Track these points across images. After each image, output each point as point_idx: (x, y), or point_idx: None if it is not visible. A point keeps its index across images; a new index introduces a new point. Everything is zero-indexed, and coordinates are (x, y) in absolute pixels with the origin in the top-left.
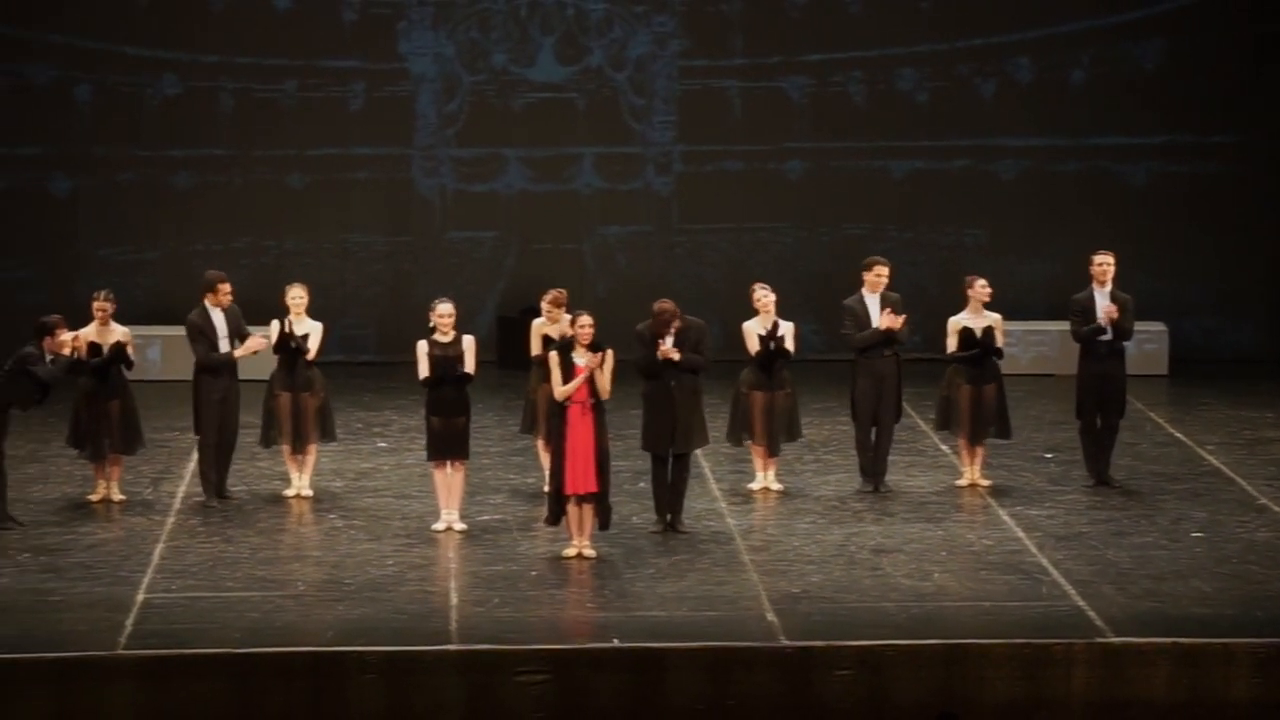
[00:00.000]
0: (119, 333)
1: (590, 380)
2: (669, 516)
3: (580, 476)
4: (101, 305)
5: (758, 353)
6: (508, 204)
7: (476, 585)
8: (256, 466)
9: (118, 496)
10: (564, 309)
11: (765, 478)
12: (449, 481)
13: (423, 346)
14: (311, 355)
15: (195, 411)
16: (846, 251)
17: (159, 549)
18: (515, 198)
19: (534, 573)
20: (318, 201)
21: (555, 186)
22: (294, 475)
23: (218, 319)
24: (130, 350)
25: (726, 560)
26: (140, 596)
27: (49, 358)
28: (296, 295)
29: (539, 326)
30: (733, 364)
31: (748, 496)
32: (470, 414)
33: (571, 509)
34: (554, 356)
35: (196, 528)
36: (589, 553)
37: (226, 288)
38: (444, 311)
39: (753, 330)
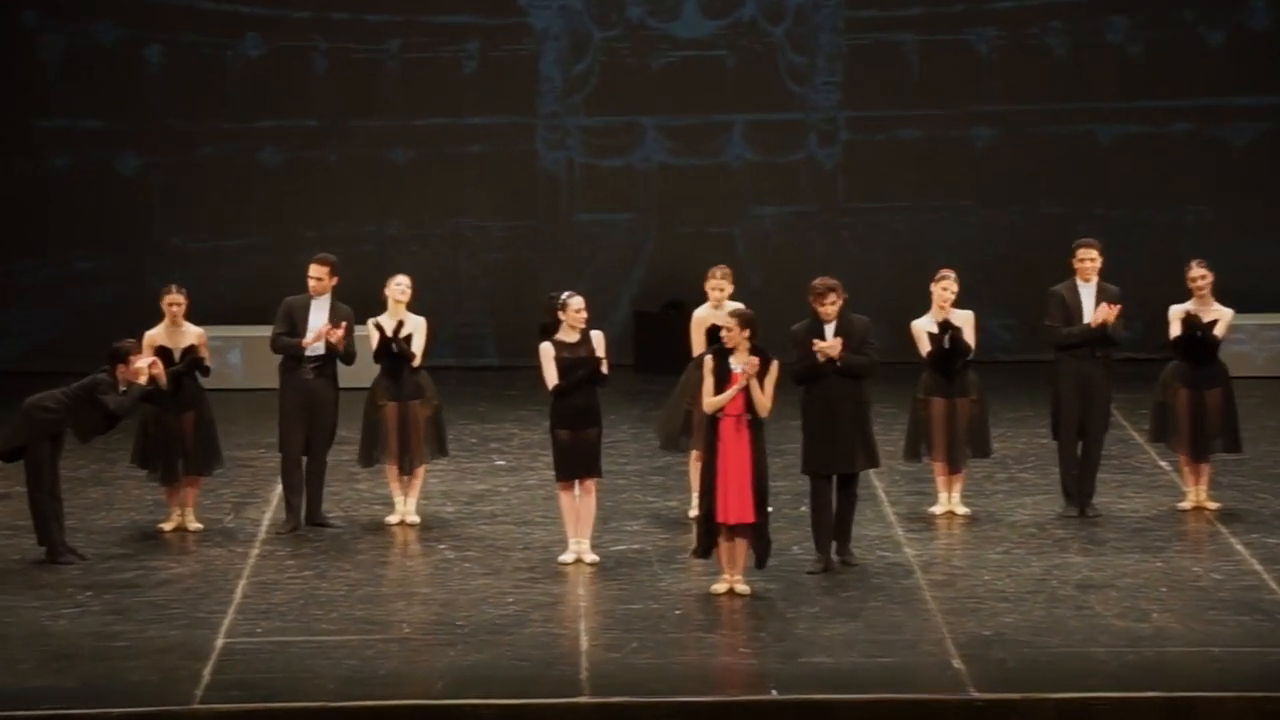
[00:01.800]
0: (192, 334)
1: (747, 391)
2: (835, 549)
3: (734, 504)
4: (174, 300)
5: (929, 354)
6: (645, 181)
7: (611, 627)
8: (355, 489)
9: (193, 525)
10: (728, 292)
11: (949, 500)
12: (578, 505)
13: (547, 349)
14: (418, 359)
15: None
16: (1043, 234)
17: (241, 586)
18: (654, 173)
19: (678, 612)
20: (425, 180)
21: (701, 160)
22: (398, 499)
23: (318, 310)
24: (205, 354)
25: (904, 597)
26: (220, 641)
27: (121, 387)
28: (400, 288)
29: (702, 318)
30: (909, 367)
31: (929, 522)
32: (602, 426)
33: (723, 540)
34: (709, 361)
35: (285, 560)
36: (742, 589)
37: (311, 269)
38: (577, 307)
39: (922, 329)
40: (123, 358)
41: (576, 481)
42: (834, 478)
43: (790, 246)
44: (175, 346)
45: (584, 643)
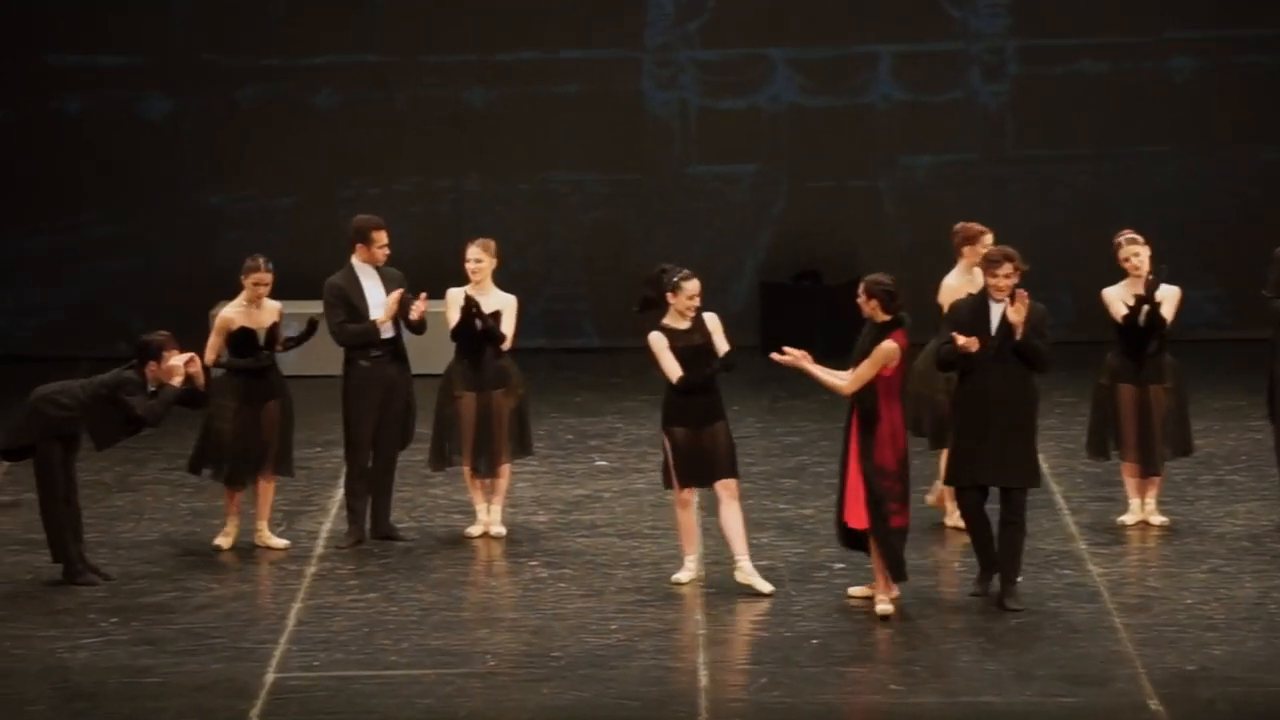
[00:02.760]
0: (273, 310)
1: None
2: (999, 581)
3: (850, 504)
4: (260, 279)
5: (1124, 318)
6: (773, 125)
7: (735, 659)
8: (429, 495)
9: (275, 542)
10: (980, 243)
11: (1143, 507)
12: (724, 516)
13: (659, 340)
14: (508, 342)
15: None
16: (1261, 185)
17: (295, 611)
18: (783, 116)
19: (815, 641)
20: (509, 126)
21: (840, 100)
22: (480, 506)
23: (370, 283)
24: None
25: (1089, 624)
26: (270, 677)
27: (150, 387)
28: (479, 257)
29: (953, 286)
30: (1091, 347)
31: (1118, 534)
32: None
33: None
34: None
35: (346, 580)
36: (884, 608)
37: (383, 238)
38: (691, 293)
39: (1117, 298)
40: (154, 354)
41: (697, 488)
42: (989, 490)
43: (947, 203)
44: (259, 326)
45: (703, 678)
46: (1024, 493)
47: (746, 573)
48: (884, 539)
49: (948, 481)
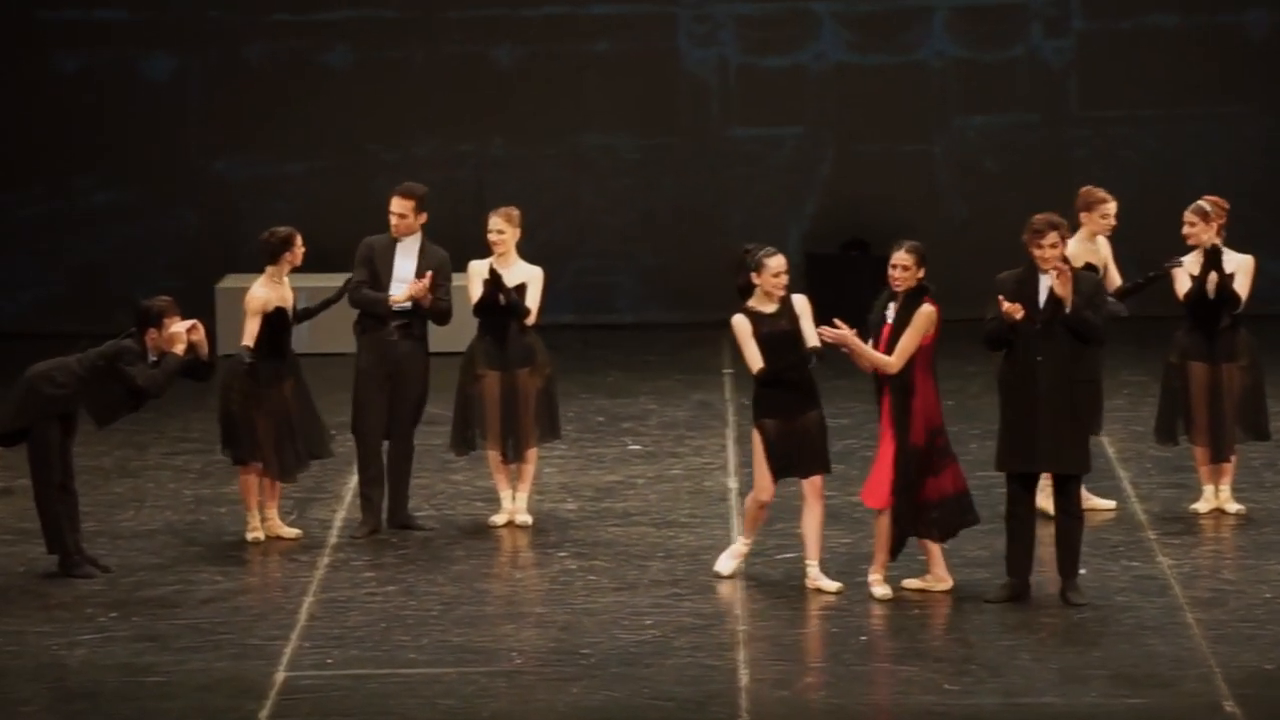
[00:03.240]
0: (287, 285)
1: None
2: (1059, 576)
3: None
4: (293, 257)
5: (1186, 295)
6: (819, 85)
7: (777, 656)
8: (450, 481)
9: (286, 531)
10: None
11: (1216, 494)
12: (805, 516)
13: (742, 324)
14: (532, 316)
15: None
16: None
17: (307, 605)
18: (830, 75)
19: (863, 638)
20: (537, 86)
21: (890, 57)
22: (505, 493)
23: (404, 256)
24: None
25: (1158, 620)
26: (280, 676)
27: (151, 357)
28: (501, 228)
29: (1072, 254)
30: (1162, 324)
31: (1190, 523)
32: (822, 409)
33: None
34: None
35: (362, 573)
36: (939, 584)
37: (394, 204)
38: (776, 269)
39: (1183, 270)
40: (154, 320)
41: (784, 482)
42: (1039, 479)
43: (1006, 168)
44: (288, 304)
45: (743, 677)
46: (1078, 481)
47: (813, 578)
48: (902, 518)
49: (997, 467)
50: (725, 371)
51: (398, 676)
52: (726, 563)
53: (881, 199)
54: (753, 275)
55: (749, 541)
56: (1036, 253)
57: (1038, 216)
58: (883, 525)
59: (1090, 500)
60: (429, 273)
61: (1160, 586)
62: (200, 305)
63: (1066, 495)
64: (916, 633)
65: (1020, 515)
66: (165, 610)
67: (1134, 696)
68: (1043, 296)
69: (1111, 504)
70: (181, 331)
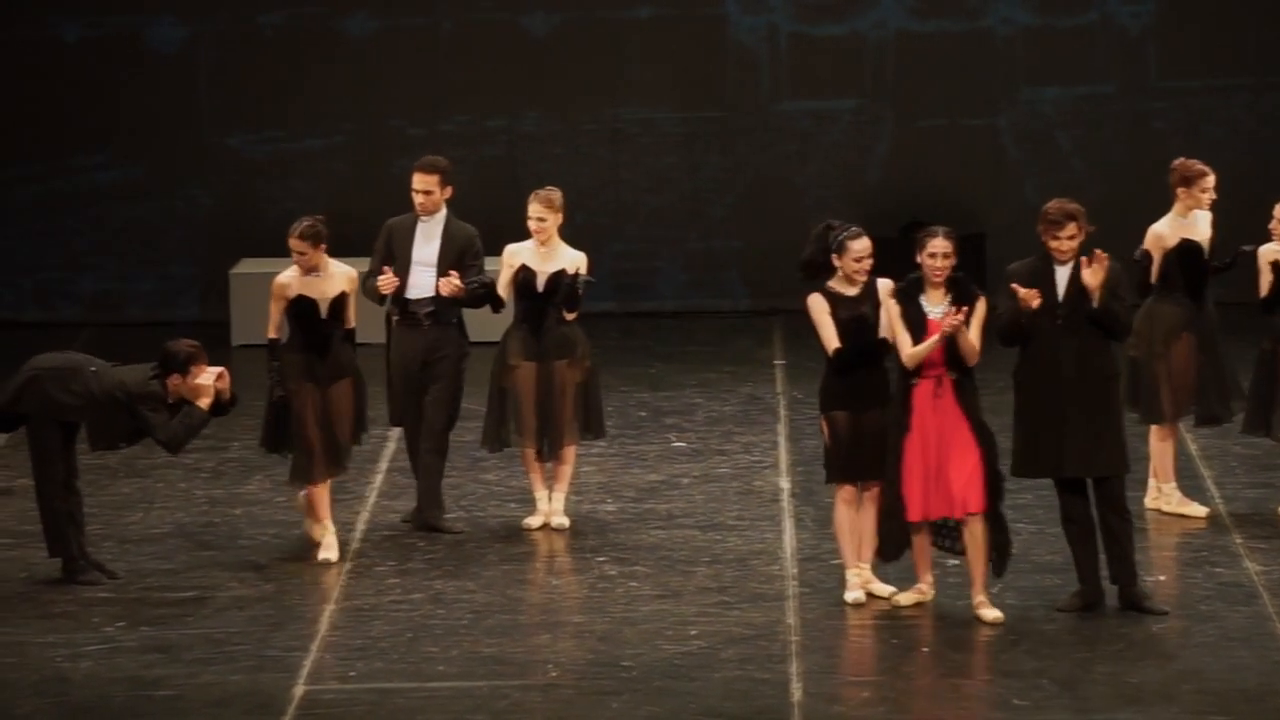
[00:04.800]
0: (342, 277)
1: (950, 343)
2: (1123, 590)
3: (934, 492)
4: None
5: (1266, 296)
6: (878, 55)
7: (832, 669)
8: (482, 481)
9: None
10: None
11: None
12: (860, 518)
13: (818, 304)
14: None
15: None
16: None
17: (328, 613)
18: (889, 44)
19: (925, 649)
20: (572, 56)
21: (954, 25)
22: (540, 494)
23: (423, 237)
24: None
25: (1246, 631)
26: (299, 689)
27: (170, 400)
28: (543, 215)
29: (1164, 234)
30: (1248, 310)
31: (1278, 526)
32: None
33: (918, 541)
34: (893, 305)
35: (387, 579)
36: (989, 615)
37: (416, 180)
38: (859, 253)
39: (1268, 256)
40: (180, 366)
41: (860, 484)
42: (1084, 482)
43: (1079, 142)
44: (322, 298)
45: (795, 691)
46: (1121, 481)
47: (865, 580)
48: (1002, 520)
49: (1014, 473)
50: (777, 363)
51: (425, 690)
52: (851, 593)
53: (944, 178)
54: (834, 256)
55: (860, 568)
56: (1053, 244)
57: (1052, 205)
58: (977, 532)
59: (1185, 505)
60: (451, 272)
61: (1247, 594)
62: (210, 294)
63: (1108, 498)
64: (982, 645)
65: (1075, 519)
66: (176, 619)
67: (1218, 713)
68: (1060, 289)
69: (1204, 510)
70: (209, 384)
